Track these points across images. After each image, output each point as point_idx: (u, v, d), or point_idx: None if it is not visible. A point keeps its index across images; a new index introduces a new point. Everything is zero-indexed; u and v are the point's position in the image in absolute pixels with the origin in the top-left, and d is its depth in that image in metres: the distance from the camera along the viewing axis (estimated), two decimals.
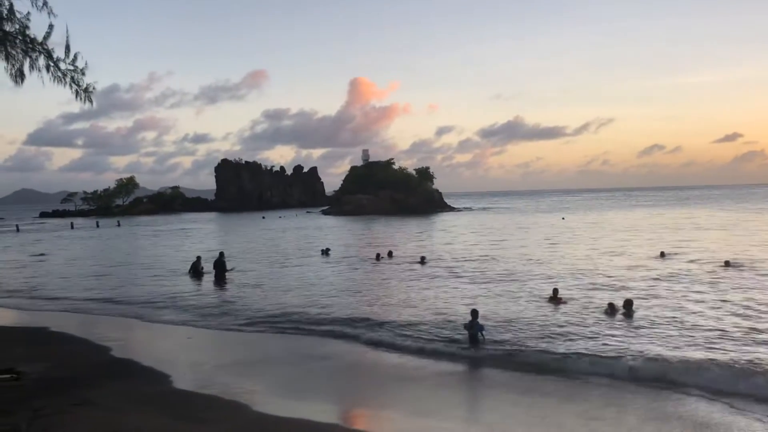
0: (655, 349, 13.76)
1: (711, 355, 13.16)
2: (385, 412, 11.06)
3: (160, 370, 13.57)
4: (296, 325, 17.96)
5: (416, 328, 16.67)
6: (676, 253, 32.15)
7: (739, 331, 15.32)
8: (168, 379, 12.87)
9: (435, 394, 11.77)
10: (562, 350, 14.07)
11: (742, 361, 12.61)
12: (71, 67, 13.57)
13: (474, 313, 15.77)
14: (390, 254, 34.80)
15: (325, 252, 37.39)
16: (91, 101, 14.24)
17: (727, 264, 26.96)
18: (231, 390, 12.02)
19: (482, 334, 15.15)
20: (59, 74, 13.57)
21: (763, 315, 17.16)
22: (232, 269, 28.78)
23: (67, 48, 13.36)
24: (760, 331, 15.25)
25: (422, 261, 31.78)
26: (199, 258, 30.85)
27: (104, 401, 10.93)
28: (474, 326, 15.29)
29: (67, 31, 13.27)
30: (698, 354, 13.32)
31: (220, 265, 28.64)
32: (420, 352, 14.70)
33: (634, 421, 10.10)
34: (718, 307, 18.31)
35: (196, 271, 29.67)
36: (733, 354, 13.24)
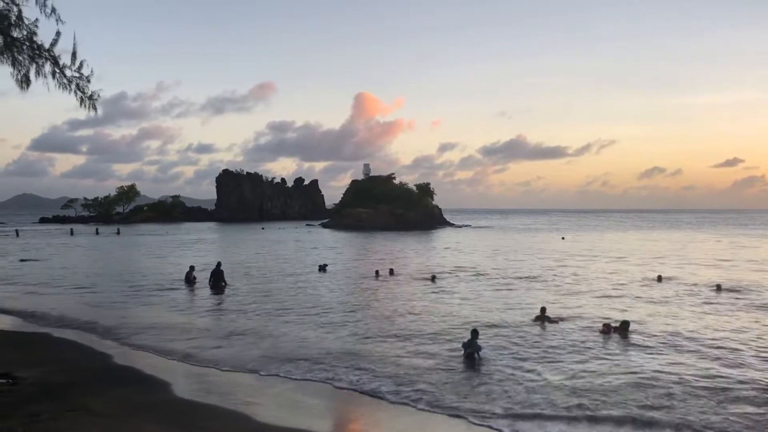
0: (651, 375, 13.82)
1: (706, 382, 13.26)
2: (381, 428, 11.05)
3: (160, 378, 13.53)
4: (284, 352, 16.19)
5: (411, 345, 16.60)
6: (673, 277, 32.20)
7: (728, 355, 15.58)
8: (168, 388, 12.84)
9: (428, 415, 11.65)
10: (552, 376, 13.80)
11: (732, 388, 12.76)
12: (77, 75, 13.65)
13: (474, 332, 15.73)
14: (391, 272, 34.43)
15: (322, 268, 36.99)
16: (95, 109, 14.26)
17: (718, 288, 27.43)
18: (231, 400, 12.00)
19: (479, 354, 15.10)
20: (65, 81, 13.63)
21: (749, 339, 17.46)
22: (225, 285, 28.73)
23: (74, 55, 13.44)
24: (750, 353, 15.63)
25: (433, 279, 31.62)
26: (192, 267, 31.91)
27: (102, 408, 10.91)
28: (472, 345, 15.24)
29: (74, 38, 13.40)
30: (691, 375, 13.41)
31: (216, 275, 29.49)
32: (414, 370, 14.23)
33: None
34: (715, 329, 18.42)
35: (188, 280, 30.43)
36: (725, 380, 13.38)
